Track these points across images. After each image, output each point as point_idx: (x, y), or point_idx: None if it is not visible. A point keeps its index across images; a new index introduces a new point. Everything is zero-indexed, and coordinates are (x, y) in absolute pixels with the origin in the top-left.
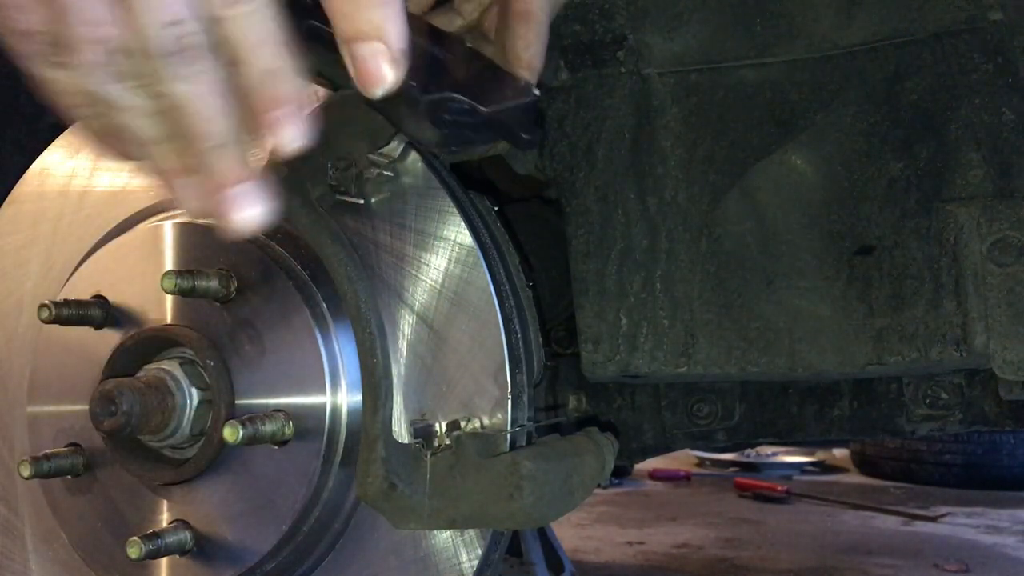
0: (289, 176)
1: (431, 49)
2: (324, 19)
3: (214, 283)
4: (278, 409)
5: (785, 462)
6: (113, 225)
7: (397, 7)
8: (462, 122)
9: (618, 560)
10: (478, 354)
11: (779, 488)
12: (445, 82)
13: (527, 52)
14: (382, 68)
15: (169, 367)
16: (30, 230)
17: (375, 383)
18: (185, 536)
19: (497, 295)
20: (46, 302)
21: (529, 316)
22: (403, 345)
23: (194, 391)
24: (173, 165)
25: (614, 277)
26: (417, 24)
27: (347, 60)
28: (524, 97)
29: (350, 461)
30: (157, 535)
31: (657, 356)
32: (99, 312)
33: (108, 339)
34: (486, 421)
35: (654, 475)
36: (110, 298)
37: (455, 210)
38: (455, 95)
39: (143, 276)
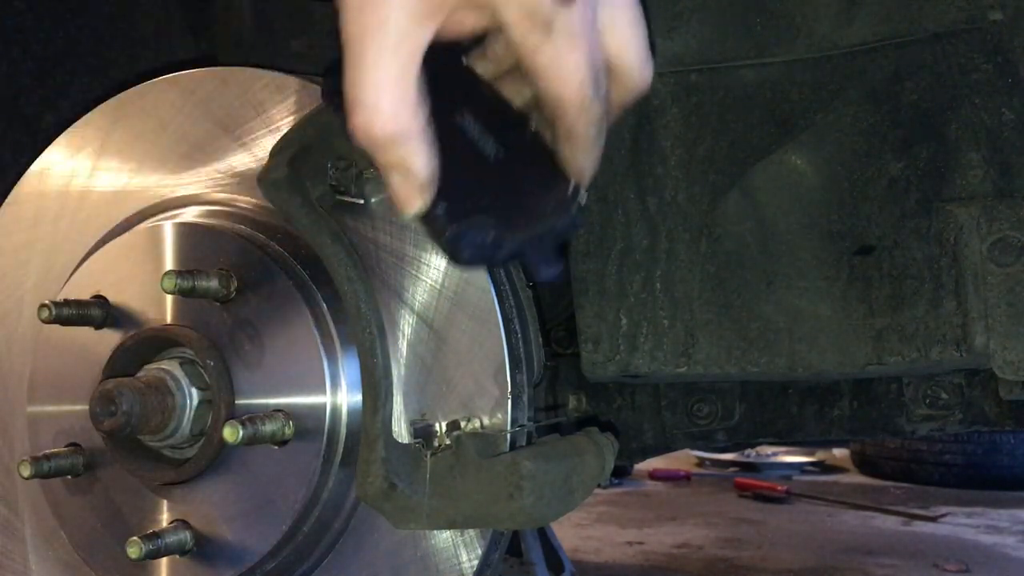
0: (289, 176)
1: (479, 151)
2: None
3: (214, 283)
4: (278, 409)
5: (785, 462)
6: (113, 225)
7: (420, 141)
8: (483, 253)
9: (618, 560)
10: (478, 354)
11: (779, 488)
12: (482, 198)
13: (573, 166)
14: (410, 195)
15: (169, 367)
16: (30, 230)
17: (375, 383)
18: (185, 536)
19: (497, 295)
20: (46, 302)
21: (529, 316)
22: (403, 345)
23: (194, 391)
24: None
25: (614, 277)
26: (475, 105)
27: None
28: (563, 214)
29: (350, 461)
30: (157, 535)
31: (657, 356)
32: (99, 312)
33: (108, 339)
34: (486, 421)
35: (654, 475)
36: (110, 298)
37: None
38: (481, 226)
39: (143, 276)
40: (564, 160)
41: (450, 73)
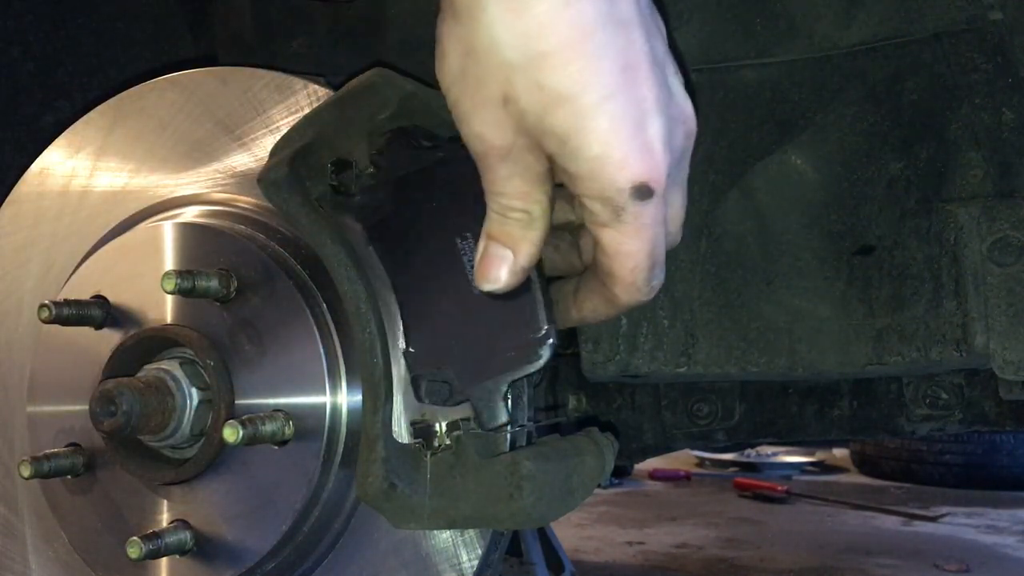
0: (289, 176)
1: (468, 277)
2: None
3: (214, 283)
4: (278, 409)
5: (785, 462)
6: (113, 225)
7: (539, 234)
8: (439, 400)
9: (618, 560)
10: None
11: (779, 488)
12: (452, 342)
13: (577, 314)
14: (500, 271)
15: (169, 367)
16: (30, 230)
17: (375, 383)
18: (185, 536)
19: None
20: (46, 302)
21: None
22: (403, 345)
23: (194, 391)
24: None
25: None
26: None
27: (480, 245)
28: (529, 359)
29: (350, 461)
30: (157, 535)
31: (657, 356)
32: (99, 312)
33: (108, 339)
34: None
35: (654, 475)
36: (110, 298)
37: None
38: (442, 379)
39: (143, 276)
40: (571, 300)
41: (466, 192)
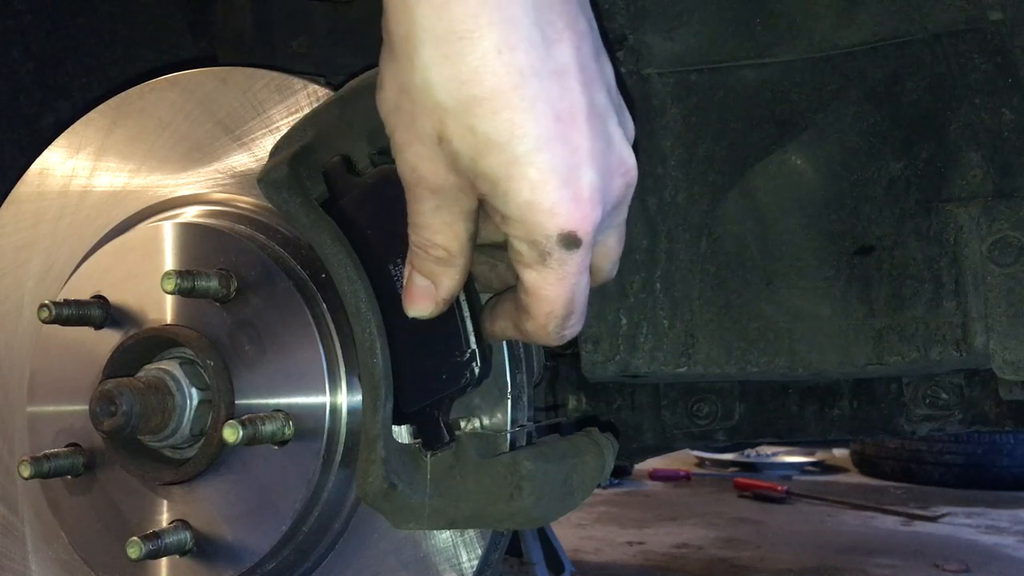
0: (289, 176)
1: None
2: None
3: (214, 283)
4: (278, 409)
5: (785, 462)
6: (113, 225)
7: (458, 269)
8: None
9: (618, 560)
10: None
11: (779, 488)
12: (396, 365)
13: (495, 334)
14: (424, 302)
15: (169, 367)
16: (30, 230)
17: (375, 383)
18: (185, 536)
19: None
20: (46, 302)
21: None
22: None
23: (194, 391)
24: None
25: (614, 277)
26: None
27: (405, 273)
28: (456, 380)
29: (350, 461)
30: (157, 535)
31: (657, 356)
32: (99, 312)
33: (108, 339)
34: (486, 421)
35: (654, 475)
36: (110, 298)
37: None
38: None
39: (143, 276)
40: (491, 323)
41: (397, 217)
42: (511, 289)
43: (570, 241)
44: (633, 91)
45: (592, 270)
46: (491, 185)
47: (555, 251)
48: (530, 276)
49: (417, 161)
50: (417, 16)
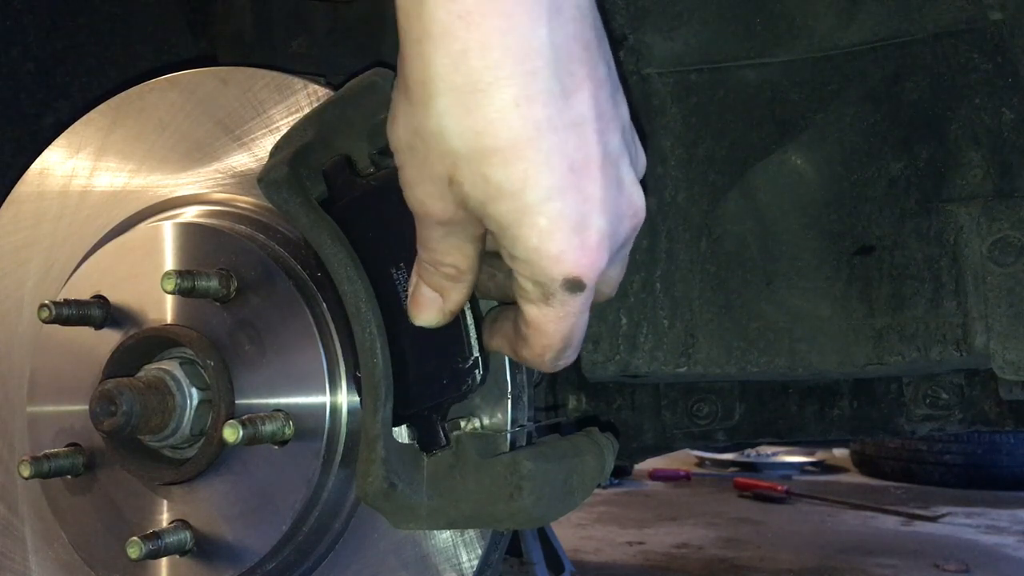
0: (289, 176)
1: (403, 306)
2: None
3: (214, 283)
4: (278, 409)
5: (785, 462)
6: (113, 225)
7: (467, 285)
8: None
9: (618, 560)
10: None
11: (779, 488)
12: (396, 369)
13: (488, 341)
14: (431, 312)
15: (169, 367)
16: (30, 230)
17: (375, 383)
18: (185, 536)
19: None
20: (46, 302)
21: None
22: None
23: (194, 391)
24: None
25: None
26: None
27: (412, 282)
28: (457, 387)
29: (350, 461)
30: (157, 535)
31: (657, 356)
32: (99, 312)
33: (108, 339)
34: (486, 421)
35: (654, 475)
36: (110, 298)
37: None
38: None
39: (143, 276)
40: (492, 339)
41: (401, 222)
42: (510, 307)
43: (574, 285)
44: (633, 91)
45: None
46: (500, 229)
47: (559, 293)
48: (532, 312)
49: (426, 199)
50: (434, 64)
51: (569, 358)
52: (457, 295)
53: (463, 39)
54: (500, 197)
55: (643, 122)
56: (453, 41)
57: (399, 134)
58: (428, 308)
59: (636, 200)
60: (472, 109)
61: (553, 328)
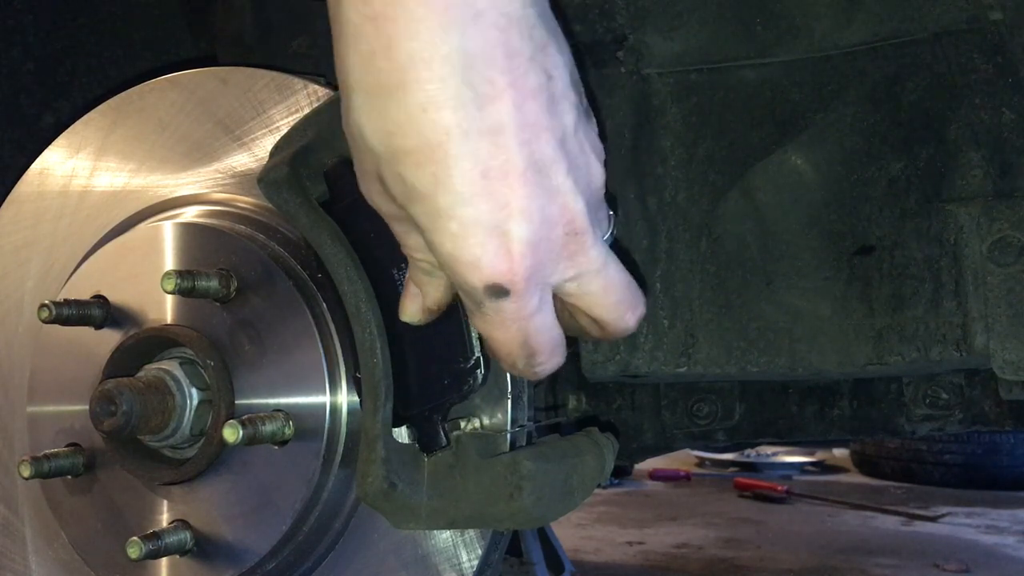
0: (289, 176)
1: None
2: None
3: (214, 283)
4: (278, 409)
5: (785, 462)
6: (113, 225)
7: (443, 281)
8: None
9: (618, 560)
10: None
11: (779, 488)
12: (397, 369)
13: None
14: (414, 308)
15: (169, 367)
16: (30, 230)
17: (375, 383)
18: (185, 536)
19: None
20: (46, 302)
21: None
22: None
23: (194, 391)
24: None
25: None
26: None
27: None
28: (459, 388)
29: (350, 461)
30: (157, 535)
31: (657, 356)
32: (99, 312)
33: (108, 339)
34: (486, 421)
35: (654, 475)
36: (110, 298)
37: None
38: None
39: (143, 276)
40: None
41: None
42: None
43: (497, 292)
44: (633, 91)
45: (594, 320)
46: (422, 231)
47: (485, 301)
48: (475, 323)
49: (368, 193)
50: (348, 65)
51: (544, 364)
52: (434, 291)
53: (371, 40)
54: (415, 198)
55: (643, 122)
56: (363, 41)
57: (344, 124)
58: (412, 302)
59: (571, 208)
60: (382, 111)
61: (500, 335)
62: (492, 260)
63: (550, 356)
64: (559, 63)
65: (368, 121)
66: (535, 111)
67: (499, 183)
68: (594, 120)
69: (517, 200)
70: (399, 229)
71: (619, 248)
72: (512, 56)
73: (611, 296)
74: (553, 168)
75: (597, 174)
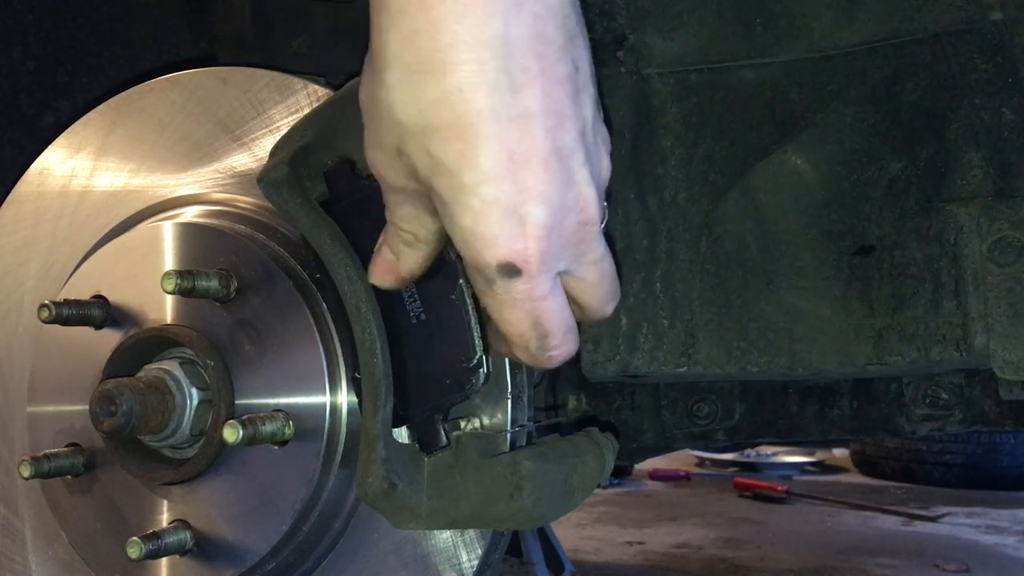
0: (289, 176)
1: (405, 307)
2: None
3: (214, 283)
4: (278, 409)
5: (785, 462)
6: (113, 225)
7: (422, 254)
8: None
9: (618, 560)
10: None
11: (779, 488)
12: (392, 366)
13: (495, 348)
14: (386, 275)
15: (169, 367)
16: (30, 230)
17: (375, 383)
18: (185, 536)
19: None
20: (46, 302)
21: None
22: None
23: (194, 391)
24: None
25: None
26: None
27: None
28: (461, 387)
29: (350, 461)
30: (157, 535)
31: (657, 356)
32: (99, 312)
33: (108, 339)
34: (486, 421)
35: (654, 475)
36: (110, 298)
37: None
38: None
39: (143, 276)
40: (489, 339)
41: None
42: None
43: (510, 271)
44: (633, 91)
45: (579, 305)
46: (441, 204)
47: (496, 279)
48: (485, 301)
49: (379, 164)
50: (387, 39)
51: (558, 348)
52: (410, 261)
53: (417, 19)
54: (440, 172)
55: (643, 122)
56: (407, 20)
57: (363, 96)
58: (384, 270)
59: (586, 196)
60: (418, 87)
61: (510, 315)
62: (508, 239)
63: (563, 339)
64: (584, 55)
65: (402, 96)
66: (562, 100)
67: (522, 167)
68: (603, 114)
69: (538, 185)
70: (394, 198)
71: (608, 238)
72: (547, 44)
73: (604, 285)
74: (573, 157)
75: (606, 167)
